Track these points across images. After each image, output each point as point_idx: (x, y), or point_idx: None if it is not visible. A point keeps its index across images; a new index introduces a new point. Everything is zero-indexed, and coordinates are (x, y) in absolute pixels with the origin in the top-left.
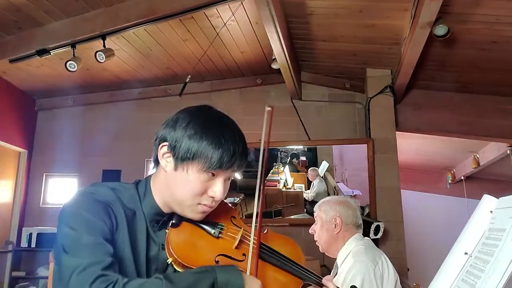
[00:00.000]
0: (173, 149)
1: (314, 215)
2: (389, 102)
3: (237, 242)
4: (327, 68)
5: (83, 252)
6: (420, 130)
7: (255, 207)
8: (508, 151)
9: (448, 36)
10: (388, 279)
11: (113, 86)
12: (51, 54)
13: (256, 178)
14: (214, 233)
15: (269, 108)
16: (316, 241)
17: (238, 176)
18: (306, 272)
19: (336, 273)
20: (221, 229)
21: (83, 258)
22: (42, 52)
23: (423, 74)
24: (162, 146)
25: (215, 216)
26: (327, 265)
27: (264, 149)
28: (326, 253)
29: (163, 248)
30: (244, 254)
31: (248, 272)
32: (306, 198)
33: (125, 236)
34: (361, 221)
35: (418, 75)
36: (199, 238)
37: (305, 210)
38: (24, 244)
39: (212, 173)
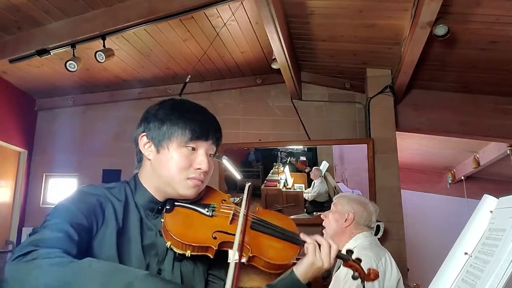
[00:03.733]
0: (151, 136)
1: (332, 204)
2: (389, 102)
3: (230, 217)
4: (327, 68)
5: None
6: (420, 130)
7: (245, 194)
8: (508, 151)
9: (448, 36)
10: (391, 277)
11: (113, 86)
12: (51, 54)
13: (257, 178)
14: (207, 212)
15: (249, 184)
16: (323, 228)
17: (238, 176)
18: (300, 238)
19: (339, 267)
20: (214, 208)
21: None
22: (42, 52)
23: (423, 74)
24: (142, 137)
25: (207, 200)
26: None
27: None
28: None
29: (161, 235)
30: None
31: (236, 241)
32: (306, 198)
33: (112, 230)
34: (374, 225)
35: (418, 75)
36: (194, 218)
37: (305, 210)
38: None
39: (192, 147)
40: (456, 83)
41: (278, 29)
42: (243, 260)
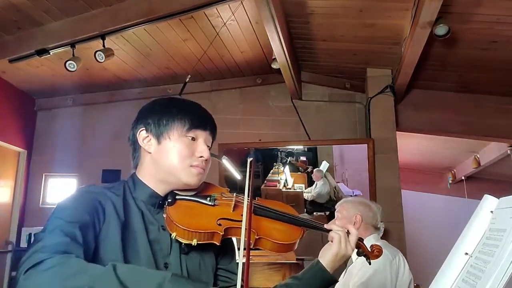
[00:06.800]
0: (150, 129)
1: (335, 211)
2: (390, 102)
3: (233, 205)
4: (327, 68)
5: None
6: (420, 130)
7: (246, 183)
8: (509, 151)
9: (448, 36)
10: (403, 277)
11: (113, 86)
12: (51, 54)
13: (257, 178)
14: (209, 201)
15: (251, 159)
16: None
17: (238, 176)
18: (305, 221)
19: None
20: (215, 198)
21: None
22: (42, 52)
23: (424, 74)
24: (140, 131)
25: (206, 193)
26: None
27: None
28: None
29: (164, 229)
30: (242, 215)
31: (243, 226)
32: (306, 198)
33: (115, 226)
34: (380, 225)
35: (418, 75)
36: (197, 209)
37: (305, 210)
38: (23, 244)
39: (192, 137)
40: (456, 83)
41: (278, 29)
42: (251, 243)
